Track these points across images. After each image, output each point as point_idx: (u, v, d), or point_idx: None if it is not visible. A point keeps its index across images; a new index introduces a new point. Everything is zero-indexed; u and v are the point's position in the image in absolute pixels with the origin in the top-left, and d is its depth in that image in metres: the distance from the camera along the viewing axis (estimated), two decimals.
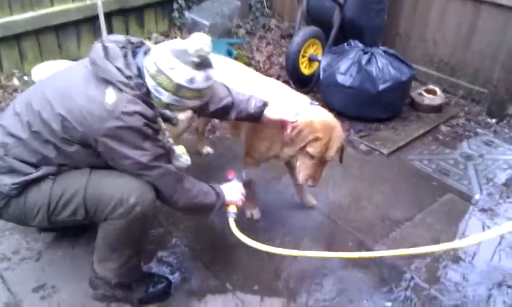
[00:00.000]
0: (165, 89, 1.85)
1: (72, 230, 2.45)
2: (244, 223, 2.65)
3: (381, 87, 3.53)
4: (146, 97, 1.86)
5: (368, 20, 3.98)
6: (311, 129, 2.22)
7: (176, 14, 4.53)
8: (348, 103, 3.67)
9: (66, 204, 1.90)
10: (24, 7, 3.54)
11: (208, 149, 3.29)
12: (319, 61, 3.93)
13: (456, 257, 2.54)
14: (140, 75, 1.87)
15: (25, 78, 3.64)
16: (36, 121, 1.86)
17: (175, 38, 4.28)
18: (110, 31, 4.01)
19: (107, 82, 1.81)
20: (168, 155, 1.99)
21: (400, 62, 3.67)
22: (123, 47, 1.90)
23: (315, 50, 4.10)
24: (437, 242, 2.61)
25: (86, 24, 3.93)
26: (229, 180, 2.30)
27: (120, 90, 1.80)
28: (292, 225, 2.70)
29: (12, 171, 1.87)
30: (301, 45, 3.95)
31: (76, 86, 1.87)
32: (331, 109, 3.72)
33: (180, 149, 2.10)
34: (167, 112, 2.02)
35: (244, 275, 2.38)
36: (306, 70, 4.09)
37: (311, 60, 4.09)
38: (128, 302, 2.19)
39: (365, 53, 3.63)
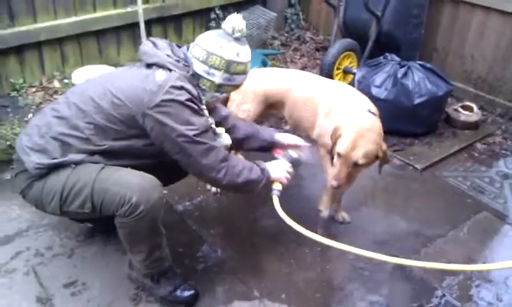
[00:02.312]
0: (217, 68, 2.04)
1: (104, 228, 2.50)
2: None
3: (417, 101, 3.48)
4: (192, 79, 2.04)
5: (405, 33, 3.94)
6: (340, 127, 2.28)
7: (213, 23, 4.60)
8: (382, 116, 3.61)
9: (76, 195, 1.95)
10: (68, 12, 3.66)
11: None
12: (354, 74, 3.91)
13: (489, 276, 2.46)
14: (186, 61, 2.07)
15: (66, 81, 3.75)
16: (85, 101, 1.98)
17: None
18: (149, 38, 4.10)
19: (157, 65, 2.00)
20: (210, 133, 2.09)
21: (437, 77, 3.61)
22: (168, 43, 2.12)
23: (350, 62, 4.09)
24: (470, 260, 2.55)
25: (126, 31, 4.03)
26: (275, 158, 2.35)
27: (169, 70, 1.99)
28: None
29: (43, 151, 1.95)
30: (336, 57, 3.95)
31: (127, 72, 2.09)
32: None
33: (220, 130, 2.21)
34: (217, 94, 2.14)
35: (273, 283, 2.37)
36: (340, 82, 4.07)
37: (346, 72, 4.08)
38: (152, 295, 2.23)
39: (402, 66, 3.59)
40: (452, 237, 2.70)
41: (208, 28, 4.62)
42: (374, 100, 3.54)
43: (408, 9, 3.89)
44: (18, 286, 2.25)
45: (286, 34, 5.10)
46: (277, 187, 2.23)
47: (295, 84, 2.71)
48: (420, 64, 3.63)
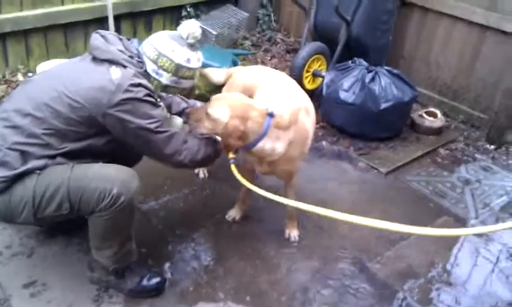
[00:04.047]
0: (166, 70, 2.10)
1: (65, 228, 2.45)
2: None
3: (383, 106, 3.55)
4: (145, 74, 2.08)
5: (373, 39, 4.01)
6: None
7: (184, 21, 4.55)
8: (349, 120, 3.68)
9: (50, 199, 1.91)
10: (34, 3, 3.57)
11: (204, 172, 3.16)
12: (323, 77, 3.95)
13: (448, 280, 2.53)
14: (139, 58, 2.10)
15: (30, 74, 3.65)
16: (39, 108, 1.92)
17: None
18: (118, 33, 4.01)
19: (111, 62, 1.99)
20: (168, 120, 2.18)
21: (404, 83, 3.69)
22: (119, 37, 2.13)
23: (319, 65, 4.13)
24: (431, 263, 2.62)
25: (95, 25, 3.95)
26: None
27: (124, 67, 1.99)
28: (288, 238, 2.70)
29: (2, 163, 1.89)
30: (306, 59, 3.98)
31: (79, 71, 2.04)
32: (332, 124, 3.82)
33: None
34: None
35: (238, 285, 2.37)
36: (309, 85, 4.11)
37: (315, 75, 4.12)
38: (120, 290, 2.22)
39: (369, 71, 3.66)
40: (414, 241, 2.76)
41: (178, 25, 4.58)
42: (342, 103, 3.63)
43: (377, 15, 3.95)
44: None
45: (257, 35, 5.11)
46: (232, 155, 2.27)
47: (262, 79, 2.67)
48: (387, 70, 3.70)
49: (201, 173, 3.12)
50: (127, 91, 1.93)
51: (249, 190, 2.55)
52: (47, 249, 2.42)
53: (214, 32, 4.53)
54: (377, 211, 2.99)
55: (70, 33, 3.84)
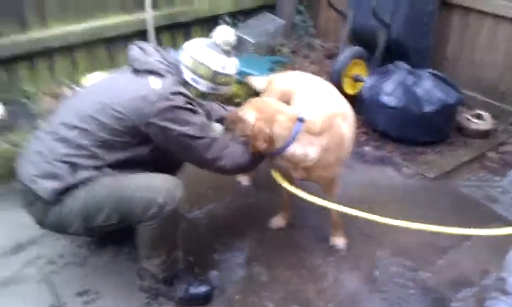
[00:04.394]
0: (203, 78, 2.15)
1: (115, 238, 2.50)
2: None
3: (427, 109, 3.46)
4: (184, 82, 2.14)
5: (414, 41, 3.92)
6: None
7: None
8: (392, 124, 3.61)
9: (99, 210, 1.97)
10: (78, 19, 3.67)
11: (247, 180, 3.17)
12: (363, 81, 3.90)
13: (504, 288, 2.43)
14: (177, 67, 2.15)
15: (76, 87, 3.75)
16: (85, 120, 1.99)
17: None
18: (158, 45, 4.11)
19: (150, 72, 2.06)
20: (208, 126, 2.20)
21: (448, 85, 3.59)
22: (155, 48, 2.20)
23: (359, 70, 4.07)
24: (484, 271, 2.53)
25: (136, 38, 3.97)
26: None
27: (163, 76, 2.06)
28: (333, 247, 2.66)
29: (53, 176, 1.95)
30: (346, 64, 3.94)
31: (120, 84, 2.12)
32: (374, 129, 3.76)
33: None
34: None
35: (285, 294, 2.35)
36: (349, 89, 4.06)
37: (355, 80, 4.07)
38: (170, 298, 2.25)
39: (411, 74, 3.58)
40: (466, 248, 2.67)
41: None
42: (384, 107, 3.57)
43: (417, 16, 3.87)
44: (31, 295, 2.26)
45: (295, 42, 5.09)
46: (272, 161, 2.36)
47: (300, 84, 2.66)
48: (430, 73, 3.62)
49: (244, 180, 3.12)
50: (167, 99, 1.98)
51: (291, 197, 2.60)
52: (98, 259, 2.48)
53: (252, 41, 4.56)
54: (425, 218, 2.86)
55: (112, 46, 3.93)
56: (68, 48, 3.71)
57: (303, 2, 5.16)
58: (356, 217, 2.27)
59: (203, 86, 2.17)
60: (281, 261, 2.54)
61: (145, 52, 2.13)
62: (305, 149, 2.22)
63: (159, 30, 4.10)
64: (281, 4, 5.04)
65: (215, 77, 2.15)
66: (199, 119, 2.10)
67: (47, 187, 1.94)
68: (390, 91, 3.58)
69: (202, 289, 2.27)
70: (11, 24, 3.38)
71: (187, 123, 2.03)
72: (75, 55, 3.79)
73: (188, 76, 2.15)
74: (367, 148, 3.62)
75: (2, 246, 2.50)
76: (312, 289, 2.39)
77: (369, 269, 2.53)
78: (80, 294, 2.27)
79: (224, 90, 2.25)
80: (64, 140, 1.98)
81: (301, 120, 2.21)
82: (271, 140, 2.20)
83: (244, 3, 4.75)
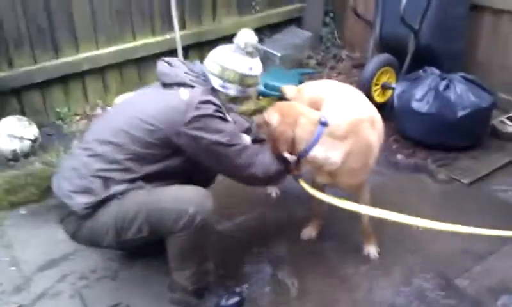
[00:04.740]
0: (232, 82, 2.17)
1: (146, 251, 2.51)
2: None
3: (460, 113, 3.36)
4: (212, 92, 2.16)
5: (444, 46, 3.84)
6: None
7: None
8: (425, 130, 3.52)
9: (131, 222, 1.99)
10: (109, 42, 3.79)
11: (277, 192, 3.14)
12: (393, 89, 3.83)
13: None
14: (205, 76, 2.18)
15: (108, 108, 3.86)
16: (117, 134, 2.03)
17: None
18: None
19: (179, 84, 2.10)
20: (238, 134, 2.22)
21: (480, 88, 3.48)
22: (182, 62, 2.25)
23: (388, 78, 4.01)
24: None
25: (165, 57, 4.11)
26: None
27: (192, 87, 2.09)
28: (366, 255, 2.59)
29: (87, 191, 1.99)
30: (374, 72, 3.89)
31: (151, 98, 2.16)
32: (406, 136, 3.68)
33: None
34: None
35: (317, 305, 2.30)
36: (379, 98, 4.00)
37: (384, 88, 4.01)
38: None
39: (443, 79, 3.49)
40: (506, 253, 2.55)
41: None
42: (416, 114, 3.49)
43: (447, 21, 3.79)
44: None
45: (322, 53, 5.08)
46: (297, 172, 2.35)
47: (328, 92, 2.64)
48: (462, 76, 3.52)
49: (274, 192, 3.10)
50: (197, 108, 2.01)
51: (321, 207, 2.61)
52: (129, 272, 2.49)
53: (279, 55, 4.57)
54: (462, 224, 2.77)
55: (142, 67, 4.02)
56: (99, 70, 3.82)
57: (329, 14, 5.16)
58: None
59: (232, 90, 2.19)
60: (313, 272, 2.49)
61: (173, 66, 2.17)
62: (327, 153, 2.21)
63: (187, 49, 4.17)
64: (308, 17, 5.06)
65: (243, 80, 2.18)
66: (229, 126, 2.11)
67: (81, 202, 1.98)
68: (421, 97, 3.50)
69: (233, 301, 2.25)
70: (44, 50, 3.52)
71: (217, 131, 2.04)
72: (107, 77, 3.90)
73: (216, 83, 2.18)
74: (399, 156, 3.54)
75: (36, 262, 2.55)
76: (346, 299, 2.33)
77: (404, 278, 2.45)
78: None
79: (252, 91, 2.28)
80: (98, 155, 2.03)
81: (323, 124, 2.20)
82: (293, 142, 2.20)
83: (269, 18, 4.79)
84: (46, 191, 2.96)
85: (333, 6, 5.14)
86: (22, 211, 2.94)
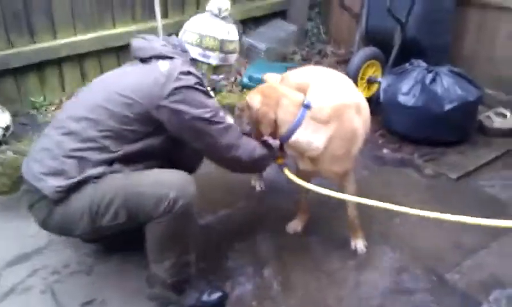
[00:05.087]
0: (212, 49, 2.09)
1: (123, 244, 2.39)
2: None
3: (447, 107, 3.31)
4: (192, 64, 2.06)
5: (431, 39, 3.79)
6: None
7: None
8: (411, 125, 3.46)
9: (107, 207, 1.85)
10: (87, 28, 3.64)
11: (261, 185, 3.05)
12: (379, 83, 3.77)
13: None
14: (182, 47, 2.09)
15: (82, 87, 3.71)
16: (93, 110, 1.90)
17: None
18: None
19: (156, 57, 1.98)
20: (222, 112, 2.07)
21: (467, 82, 3.44)
22: (156, 36, 2.15)
23: (374, 71, 3.95)
24: None
25: None
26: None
27: (171, 58, 1.98)
28: (353, 250, 2.51)
29: (60, 172, 1.85)
30: (360, 66, 3.82)
31: (129, 72, 2.04)
32: (392, 131, 3.61)
33: None
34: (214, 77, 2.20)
35: (303, 301, 2.20)
36: (365, 92, 3.92)
37: (370, 82, 3.94)
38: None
39: (429, 72, 3.44)
40: (496, 249, 2.50)
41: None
42: (402, 108, 3.43)
43: (433, 14, 3.75)
44: (34, 305, 2.14)
45: (307, 49, 5.00)
46: (281, 161, 2.31)
47: (314, 77, 2.55)
48: (448, 70, 3.47)
49: (258, 185, 3.00)
50: (177, 79, 1.90)
51: (307, 200, 2.57)
52: (105, 267, 2.36)
53: (263, 48, 4.48)
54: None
55: (122, 55, 3.87)
56: (77, 58, 3.67)
57: (315, 9, 5.09)
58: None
59: (213, 58, 2.11)
60: (298, 266, 2.40)
61: (148, 40, 2.07)
62: (310, 136, 2.13)
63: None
64: (292, 11, 4.98)
65: (223, 45, 2.10)
66: (212, 102, 2.01)
67: (52, 184, 1.83)
68: (407, 91, 3.44)
69: (215, 297, 2.13)
70: (21, 34, 3.35)
71: (200, 105, 1.93)
72: (85, 65, 3.75)
73: (196, 52, 2.09)
74: (385, 151, 3.48)
75: (6, 256, 2.40)
76: (332, 295, 2.24)
77: (392, 272, 2.37)
78: (85, 304, 2.14)
79: (233, 58, 2.20)
80: (72, 133, 1.89)
81: (306, 106, 2.13)
82: (275, 125, 2.13)
83: (254, 11, 4.70)
84: (17, 182, 2.79)
85: (318, 0, 5.07)
86: None
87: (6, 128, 3.04)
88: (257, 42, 4.49)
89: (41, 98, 3.56)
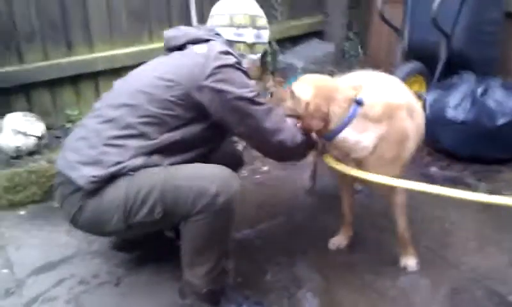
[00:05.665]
0: (245, 26, 2.01)
1: (156, 255, 2.24)
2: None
3: (501, 121, 3.08)
4: (229, 44, 1.98)
5: (479, 52, 3.58)
6: None
7: (269, 58, 4.46)
8: (461, 141, 3.23)
9: (143, 201, 1.71)
10: (125, 42, 3.61)
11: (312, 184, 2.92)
12: (424, 98, 3.57)
13: None
14: (215, 31, 2.01)
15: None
16: (133, 96, 1.80)
17: (268, 82, 4.20)
18: None
19: (192, 42, 1.92)
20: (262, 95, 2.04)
21: None
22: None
23: (418, 87, 3.76)
24: None
25: None
26: None
27: (207, 41, 1.91)
28: (403, 268, 2.28)
29: (97, 162, 1.73)
30: (403, 81, 3.62)
31: (164, 61, 1.94)
32: (440, 148, 3.38)
33: None
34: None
35: None
36: None
37: None
38: None
39: (480, 84, 3.23)
40: None
41: (264, 62, 4.48)
42: (451, 123, 3.21)
43: (480, 25, 3.56)
44: None
45: (345, 69, 4.86)
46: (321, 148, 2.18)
47: (366, 80, 2.38)
48: (500, 82, 3.25)
49: (307, 185, 2.87)
50: (217, 58, 1.81)
51: (352, 213, 2.42)
52: (136, 278, 2.21)
53: (299, 66, 4.37)
54: (510, 239, 2.49)
55: None
56: (113, 72, 3.62)
57: (352, 29, 4.98)
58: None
59: (248, 36, 2.02)
60: (345, 284, 2.18)
61: (179, 30, 2.02)
62: (359, 135, 1.96)
63: None
64: (330, 31, 4.88)
65: (255, 21, 2.04)
66: (252, 83, 1.89)
67: (87, 173, 1.71)
68: (456, 104, 3.22)
69: None
70: (58, 46, 3.33)
71: (242, 84, 1.83)
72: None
73: (230, 33, 2.01)
74: (433, 169, 3.24)
75: (32, 265, 2.28)
76: None
77: (449, 293, 2.12)
78: None
79: (267, 35, 2.11)
80: (111, 121, 1.79)
81: (358, 103, 1.96)
82: (327, 119, 1.95)
83: (291, 30, 4.62)
84: (49, 192, 2.74)
85: (357, 20, 4.96)
86: (22, 212, 2.70)
87: (41, 137, 2.97)
88: (294, 60, 4.38)
89: (77, 112, 3.50)
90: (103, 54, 3.50)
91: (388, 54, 4.60)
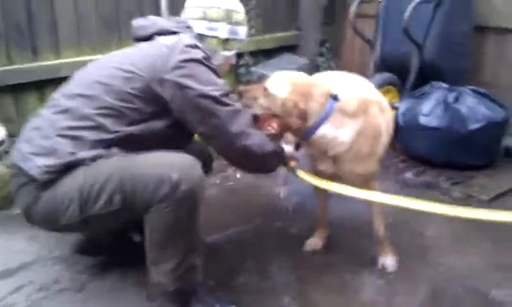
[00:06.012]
0: (218, 20, 1.91)
1: (122, 259, 2.11)
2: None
3: (473, 126, 3.09)
4: (200, 38, 1.88)
5: (450, 63, 3.62)
6: None
7: (242, 70, 4.43)
8: (434, 147, 3.23)
9: (100, 190, 1.59)
10: (94, 50, 3.51)
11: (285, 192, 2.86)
12: (396, 108, 3.57)
13: None
14: (186, 24, 1.91)
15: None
16: (90, 86, 1.70)
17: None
18: None
19: (159, 33, 1.83)
20: (232, 96, 1.87)
21: (492, 102, 3.24)
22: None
23: (390, 97, 3.76)
24: None
25: None
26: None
27: (176, 33, 1.82)
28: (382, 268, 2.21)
29: (51, 152, 1.62)
30: None
31: (128, 52, 1.86)
32: (414, 155, 3.37)
33: None
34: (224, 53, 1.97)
35: None
36: None
37: None
38: None
39: (451, 91, 3.26)
40: None
41: (237, 75, 4.45)
42: (424, 129, 3.21)
43: (451, 37, 3.60)
44: None
45: None
46: (293, 164, 2.05)
47: (336, 79, 2.35)
48: (471, 89, 3.28)
49: (282, 192, 2.80)
50: (183, 51, 1.71)
51: (327, 214, 2.36)
52: (100, 283, 2.07)
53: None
54: (488, 240, 2.45)
55: None
56: None
57: (325, 45, 5.01)
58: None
59: (222, 30, 1.92)
60: (320, 286, 2.09)
61: (148, 19, 1.93)
62: (336, 131, 1.91)
63: None
64: (303, 46, 4.88)
65: (229, 16, 1.93)
66: (221, 82, 1.78)
67: (40, 163, 1.60)
68: (428, 111, 3.24)
69: None
70: (22, 50, 3.21)
71: (208, 81, 1.72)
72: None
73: (202, 27, 1.92)
74: (407, 175, 3.21)
75: None
76: None
77: (429, 292, 2.05)
78: None
79: (243, 32, 2.00)
80: (66, 111, 1.68)
81: (334, 98, 1.90)
82: (305, 117, 1.87)
83: (264, 43, 4.61)
84: (7, 197, 2.57)
85: (331, 36, 5.00)
86: None
87: (0, 143, 2.81)
88: (268, 71, 4.35)
89: None
90: (69, 60, 3.39)
91: (361, 67, 4.62)
